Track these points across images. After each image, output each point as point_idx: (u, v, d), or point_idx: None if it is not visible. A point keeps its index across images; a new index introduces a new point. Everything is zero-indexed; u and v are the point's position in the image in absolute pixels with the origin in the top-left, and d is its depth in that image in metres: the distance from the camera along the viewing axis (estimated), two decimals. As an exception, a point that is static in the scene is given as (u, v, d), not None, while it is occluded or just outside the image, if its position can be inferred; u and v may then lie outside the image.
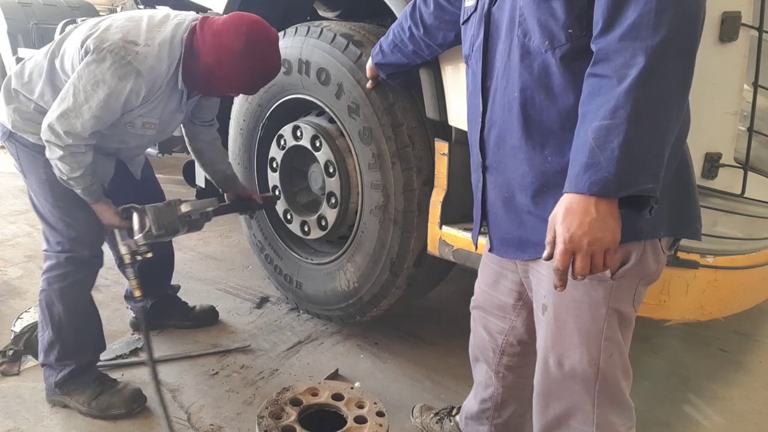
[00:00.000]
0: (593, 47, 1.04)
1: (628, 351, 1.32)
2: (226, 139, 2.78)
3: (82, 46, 1.79)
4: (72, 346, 2.03)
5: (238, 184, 2.44)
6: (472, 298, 1.66)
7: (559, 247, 1.03)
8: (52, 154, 1.80)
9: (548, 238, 1.07)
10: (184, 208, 2.05)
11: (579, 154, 1.02)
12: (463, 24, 1.42)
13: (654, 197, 1.02)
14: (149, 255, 2.02)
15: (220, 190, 2.47)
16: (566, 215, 1.02)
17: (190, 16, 1.94)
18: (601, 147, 0.98)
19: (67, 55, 1.86)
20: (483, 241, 1.50)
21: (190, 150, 2.36)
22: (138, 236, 1.98)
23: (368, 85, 2.05)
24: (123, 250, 1.98)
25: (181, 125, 2.27)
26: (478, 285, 1.63)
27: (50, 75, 1.90)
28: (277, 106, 2.52)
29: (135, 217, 1.98)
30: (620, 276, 1.20)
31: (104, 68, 1.73)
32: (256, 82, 1.95)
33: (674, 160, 1.15)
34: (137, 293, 2.01)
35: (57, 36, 4.37)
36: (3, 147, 2.07)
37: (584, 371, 1.26)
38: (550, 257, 1.07)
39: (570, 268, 1.05)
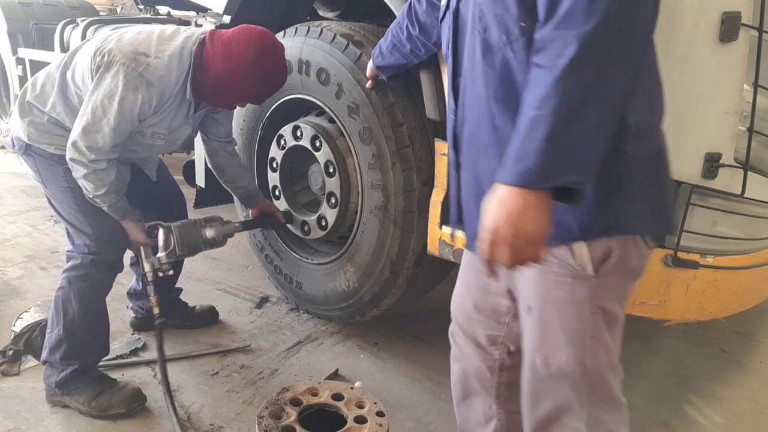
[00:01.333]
0: (535, 38, 1.02)
1: (618, 349, 1.29)
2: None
3: (93, 59, 1.84)
4: (79, 347, 2.04)
5: (261, 199, 2.46)
6: (453, 317, 1.56)
7: (481, 236, 1.04)
8: (77, 173, 1.87)
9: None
10: (209, 233, 2.15)
11: (512, 145, 1.01)
12: (440, 22, 1.42)
13: (580, 190, 1.00)
14: (171, 272, 2.12)
15: (244, 205, 2.51)
16: (493, 206, 1.02)
17: (200, 30, 1.99)
18: (529, 138, 0.97)
19: (78, 68, 1.91)
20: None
21: (211, 167, 2.39)
22: (161, 254, 2.06)
23: (368, 85, 2.05)
24: (147, 267, 2.06)
25: (203, 143, 2.33)
26: (461, 298, 1.54)
27: (62, 87, 1.95)
28: (277, 106, 2.53)
29: (161, 234, 2.06)
30: (603, 274, 1.19)
31: (117, 81, 1.79)
32: (264, 91, 2.00)
33: (645, 152, 1.13)
34: (156, 310, 2.05)
35: (57, 36, 4.39)
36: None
37: (571, 371, 1.24)
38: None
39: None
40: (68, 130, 1.94)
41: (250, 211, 2.49)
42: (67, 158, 1.86)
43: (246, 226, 2.43)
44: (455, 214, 1.44)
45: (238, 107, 2.66)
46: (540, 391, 1.31)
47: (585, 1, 0.93)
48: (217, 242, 2.21)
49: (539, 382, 1.30)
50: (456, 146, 1.36)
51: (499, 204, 1.01)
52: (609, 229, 1.15)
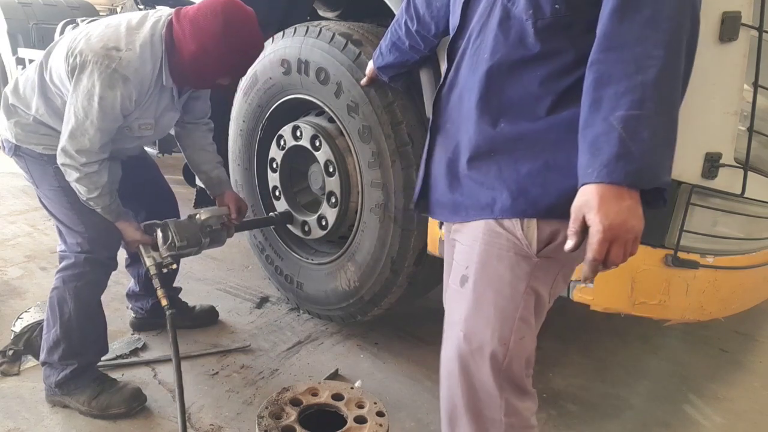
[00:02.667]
0: (600, 30, 1.03)
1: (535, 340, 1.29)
2: (224, 140, 2.78)
3: (66, 61, 1.82)
4: (77, 347, 2.04)
5: (226, 188, 2.34)
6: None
7: (598, 237, 1.00)
8: (69, 177, 1.87)
9: (574, 228, 1.04)
10: (203, 215, 2.14)
11: (604, 143, 0.99)
12: None
13: (667, 190, 1.03)
14: (174, 266, 2.10)
15: (209, 192, 2.40)
16: (602, 203, 0.99)
17: (167, 11, 1.93)
18: (633, 137, 0.97)
19: (54, 69, 1.89)
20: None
21: (179, 143, 2.32)
22: (162, 248, 2.06)
23: (362, 81, 2.04)
24: (148, 262, 2.05)
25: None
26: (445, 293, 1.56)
27: (42, 89, 1.93)
28: (276, 106, 2.52)
29: (158, 231, 2.07)
30: (544, 255, 1.19)
31: (93, 80, 1.76)
32: (242, 61, 1.94)
33: None
34: (164, 302, 2.01)
35: (57, 36, 4.38)
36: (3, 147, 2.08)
37: (493, 350, 1.22)
38: (576, 248, 1.05)
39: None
40: (54, 129, 1.94)
41: (216, 200, 2.37)
42: (59, 163, 1.85)
43: (243, 226, 2.40)
44: (421, 180, 1.43)
45: (237, 105, 2.67)
46: (459, 371, 1.28)
47: (669, 5, 0.98)
48: (215, 231, 2.19)
49: (460, 360, 1.27)
50: (437, 108, 1.37)
51: (608, 202, 0.99)
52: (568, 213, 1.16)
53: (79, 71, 1.78)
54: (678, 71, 1.00)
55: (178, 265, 2.49)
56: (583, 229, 1.03)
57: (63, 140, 1.83)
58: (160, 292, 2.02)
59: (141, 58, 1.80)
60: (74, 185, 1.88)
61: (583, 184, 1.03)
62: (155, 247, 2.07)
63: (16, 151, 2.01)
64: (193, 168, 2.36)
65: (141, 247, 2.05)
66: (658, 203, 1.05)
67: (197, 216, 2.14)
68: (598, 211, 0.99)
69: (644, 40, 0.98)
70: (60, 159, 1.84)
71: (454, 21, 1.34)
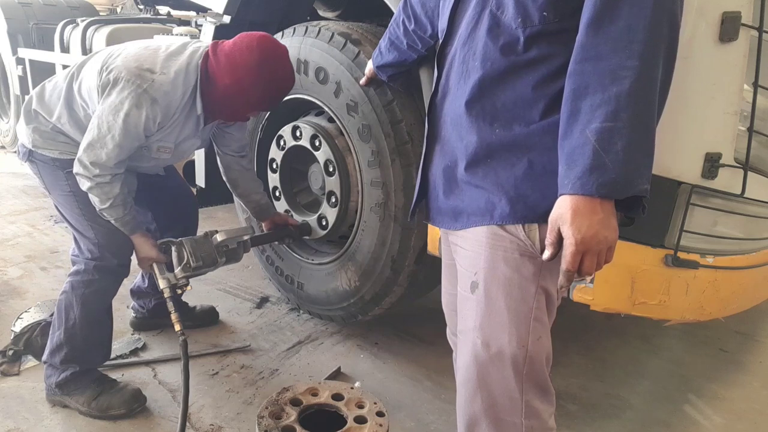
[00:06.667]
0: (578, 40, 1.04)
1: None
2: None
3: (99, 75, 1.84)
4: (79, 352, 2.04)
5: (273, 212, 2.46)
6: (446, 318, 1.58)
7: (570, 249, 1.03)
8: (83, 186, 1.88)
9: (550, 239, 1.07)
10: (220, 237, 2.10)
11: (579, 155, 1.02)
12: None
13: (647, 197, 1.04)
14: (188, 288, 2.06)
15: (256, 219, 2.50)
16: (575, 217, 1.02)
17: (205, 43, 1.97)
18: (606, 149, 0.99)
19: (84, 82, 1.91)
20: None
21: (225, 180, 2.36)
22: (177, 269, 2.01)
23: (362, 81, 2.05)
24: (162, 284, 2.00)
25: (217, 157, 2.32)
26: (444, 297, 1.57)
27: (68, 99, 1.95)
28: (276, 106, 2.52)
29: (173, 250, 2.02)
30: None
31: (122, 97, 1.79)
32: (274, 95, 1.97)
33: None
34: (178, 327, 1.94)
35: (57, 36, 4.36)
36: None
37: (513, 353, 1.22)
38: (552, 257, 1.08)
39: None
40: (72, 139, 1.96)
41: (263, 225, 2.47)
42: (74, 172, 1.86)
43: (260, 239, 2.38)
44: (420, 188, 1.43)
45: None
46: (479, 377, 1.28)
47: (646, 19, 0.98)
48: (232, 251, 2.16)
49: (479, 366, 1.27)
50: (432, 116, 1.37)
51: (581, 215, 1.02)
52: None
53: (111, 87, 1.80)
54: (654, 80, 1.01)
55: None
56: (559, 240, 1.06)
57: (81, 150, 1.84)
58: (174, 316, 1.95)
59: (173, 84, 1.82)
60: (89, 195, 1.89)
61: (560, 195, 1.05)
62: (170, 268, 2.03)
63: (30, 157, 2.01)
64: (243, 197, 2.40)
65: (155, 266, 2.02)
66: (637, 211, 1.07)
67: (214, 236, 2.10)
68: (571, 224, 1.02)
69: (619, 51, 0.99)
70: (75, 168, 1.86)
71: (441, 26, 1.35)
